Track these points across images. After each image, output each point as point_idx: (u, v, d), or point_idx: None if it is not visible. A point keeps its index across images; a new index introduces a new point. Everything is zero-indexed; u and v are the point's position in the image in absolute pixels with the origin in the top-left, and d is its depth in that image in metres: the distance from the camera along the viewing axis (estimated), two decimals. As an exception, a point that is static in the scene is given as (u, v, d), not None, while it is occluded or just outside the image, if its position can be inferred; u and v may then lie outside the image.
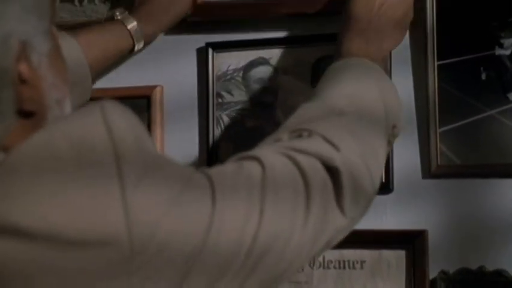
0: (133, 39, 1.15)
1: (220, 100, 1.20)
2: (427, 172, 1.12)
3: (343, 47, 0.98)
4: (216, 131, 1.20)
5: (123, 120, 0.67)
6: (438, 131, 1.11)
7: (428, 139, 1.11)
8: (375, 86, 0.94)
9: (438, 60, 1.11)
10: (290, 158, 0.76)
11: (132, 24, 1.15)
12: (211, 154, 1.21)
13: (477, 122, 1.10)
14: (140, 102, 1.20)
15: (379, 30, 0.99)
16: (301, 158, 0.76)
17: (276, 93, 1.18)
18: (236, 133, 1.19)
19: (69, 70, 0.82)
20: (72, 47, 1.04)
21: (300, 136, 0.79)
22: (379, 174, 0.85)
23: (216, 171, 0.77)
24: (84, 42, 1.08)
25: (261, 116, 1.18)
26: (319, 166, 0.76)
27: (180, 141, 1.22)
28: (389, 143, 0.89)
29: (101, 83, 1.24)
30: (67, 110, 0.74)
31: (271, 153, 0.76)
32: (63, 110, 0.74)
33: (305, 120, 0.83)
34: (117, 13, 1.15)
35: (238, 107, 1.20)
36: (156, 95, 1.21)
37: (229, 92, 1.20)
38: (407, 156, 1.15)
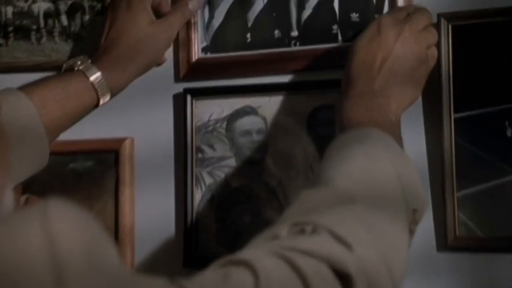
0: (97, 93, 1.01)
1: (200, 155, 1.10)
2: (443, 244, 1.01)
3: (344, 116, 0.89)
4: (195, 192, 1.09)
5: (72, 227, 0.52)
6: (456, 195, 1.00)
7: (444, 205, 1.00)
8: (389, 164, 0.80)
9: (455, 112, 1.00)
10: (290, 262, 0.63)
11: (95, 76, 1.01)
12: (190, 220, 1.10)
13: (501, 186, 0.98)
14: (106, 158, 1.11)
15: (384, 91, 0.89)
16: (303, 262, 0.63)
17: (265, 148, 1.08)
18: (219, 195, 1.09)
19: (20, 133, 0.76)
20: (24, 106, 0.94)
21: (302, 231, 0.66)
22: (402, 272, 0.71)
23: (196, 283, 0.60)
24: (39, 99, 0.96)
25: (248, 175, 1.08)
26: (326, 272, 0.62)
27: (153, 204, 1.12)
28: (411, 232, 0.75)
29: (61, 136, 1.08)
30: (7, 201, 0.62)
31: (266, 256, 0.62)
32: (1, 200, 0.61)
33: (308, 211, 0.70)
34: (78, 62, 1.02)
35: (222, 163, 1.09)
36: (126, 149, 1.11)
37: (211, 146, 1.10)
38: (419, 225, 0.98)
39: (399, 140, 0.90)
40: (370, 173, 0.77)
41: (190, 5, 1.11)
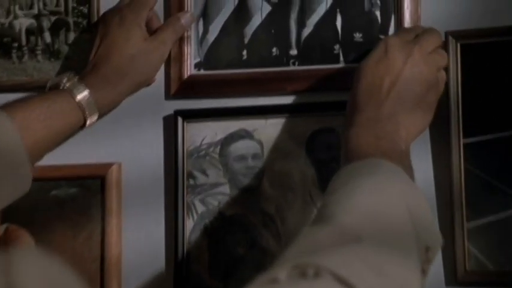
0: (84, 113, 0.96)
1: (192, 182, 1.05)
2: (452, 279, 0.96)
3: (350, 145, 0.84)
4: (186, 221, 1.05)
5: (34, 281, 0.48)
6: (465, 226, 0.95)
7: (453, 237, 0.96)
8: (399, 199, 0.75)
9: (464, 137, 0.96)
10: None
11: (82, 95, 0.96)
12: (181, 251, 1.06)
13: (515, 217, 0.94)
14: (92, 184, 1.06)
15: (393, 117, 0.85)
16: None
17: (261, 174, 1.04)
18: (212, 224, 1.05)
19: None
20: (4, 126, 0.89)
21: (303, 275, 0.61)
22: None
23: None
24: (22, 119, 0.91)
25: (243, 203, 1.04)
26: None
27: (142, 234, 1.07)
28: (424, 272, 0.71)
29: (42, 160, 1.02)
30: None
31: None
32: None
33: (310, 251, 0.65)
34: (64, 80, 0.97)
35: (215, 190, 1.05)
36: (112, 175, 1.06)
37: (204, 172, 1.06)
38: (428, 260, 0.93)
39: (410, 171, 0.85)
40: (378, 209, 0.72)
41: (183, 20, 1.07)
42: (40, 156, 0.98)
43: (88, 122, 0.99)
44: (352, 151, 0.83)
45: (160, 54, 1.02)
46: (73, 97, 0.97)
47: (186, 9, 1.09)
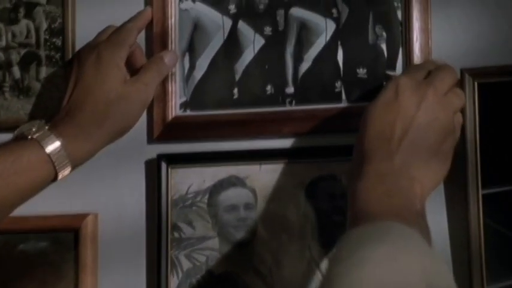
0: (54, 166, 0.89)
1: (177, 235, 1.00)
2: None
3: (357, 202, 0.77)
4: (170, 280, 0.99)
5: None
6: None
7: None
8: (416, 270, 0.67)
9: (483, 188, 0.90)
10: None
11: (53, 146, 0.89)
12: None
13: (540, 277, 0.90)
14: (64, 238, 1.01)
15: (406, 170, 0.79)
16: None
17: (254, 227, 0.99)
18: (199, 283, 0.99)
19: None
20: None
21: None
22: None
23: None
24: None
25: (234, 260, 0.98)
26: None
27: None
28: None
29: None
30: None
31: None
32: None
33: None
34: (33, 129, 0.89)
35: (202, 245, 0.99)
36: (87, 227, 1.01)
37: (190, 224, 1.00)
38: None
39: (426, 232, 0.78)
40: (391, 281, 0.66)
41: (167, 59, 1.00)
42: (3, 215, 0.91)
43: (59, 176, 0.92)
44: (361, 210, 0.76)
45: (142, 99, 0.95)
46: (43, 149, 0.89)
47: (170, 42, 1.03)
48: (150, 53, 1.02)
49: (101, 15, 1.04)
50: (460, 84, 0.92)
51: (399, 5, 0.97)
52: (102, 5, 1.05)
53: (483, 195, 0.90)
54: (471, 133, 0.91)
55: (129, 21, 0.99)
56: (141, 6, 1.03)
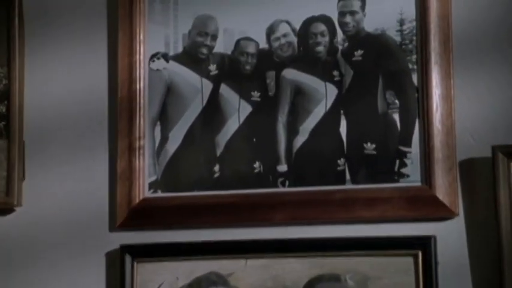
0: None
1: None
2: None
3: None
4: None
5: None
6: None
7: None
8: None
9: None
10: None
11: None
12: None
13: None
14: None
15: None
16: None
17: None
18: None
19: None
20: None
21: None
22: None
23: None
24: None
25: None
26: None
27: None
28: None
29: None
30: None
31: None
32: None
33: None
34: None
35: None
36: None
37: None
38: None
39: None
40: None
41: None
42: None
43: None
44: None
45: None
46: None
47: (138, 109, 0.89)
48: (114, 122, 0.88)
49: (54, 76, 0.90)
50: (492, 163, 0.79)
51: (415, 66, 0.82)
52: (56, 64, 0.90)
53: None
54: (506, 220, 0.78)
55: None
56: (102, 66, 0.90)
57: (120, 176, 0.88)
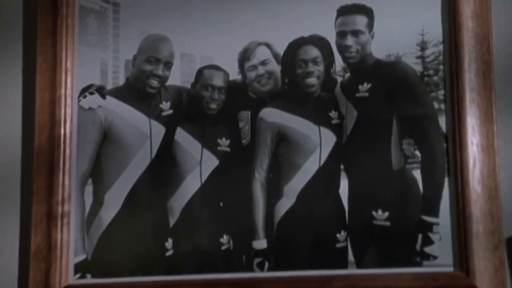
0: None
1: None
2: None
3: None
4: None
5: None
6: None
7: None
8: None
9: None
10: None
11: None
12: None
13: None
14: None
15: None
16: None
17: None
18: None
19: None
20: None
21: None
22: None
23: None
24: None
25: None
26: None
27: None
28: None
29: None
30: None
31: None
32: None
33: None
34: None
35: None
36: None
37: None
38: None
39: None
40: None
41: None
42: None
43: None
44: None
45: None
46: None
47: (61, 161, 0.69)
48: (28, 180, 0.66)
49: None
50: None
51: (442, 106, 0.62)
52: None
53: None
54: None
55: None
56: (14, 104, 0.70)
57: (34, 254, 0.67)
